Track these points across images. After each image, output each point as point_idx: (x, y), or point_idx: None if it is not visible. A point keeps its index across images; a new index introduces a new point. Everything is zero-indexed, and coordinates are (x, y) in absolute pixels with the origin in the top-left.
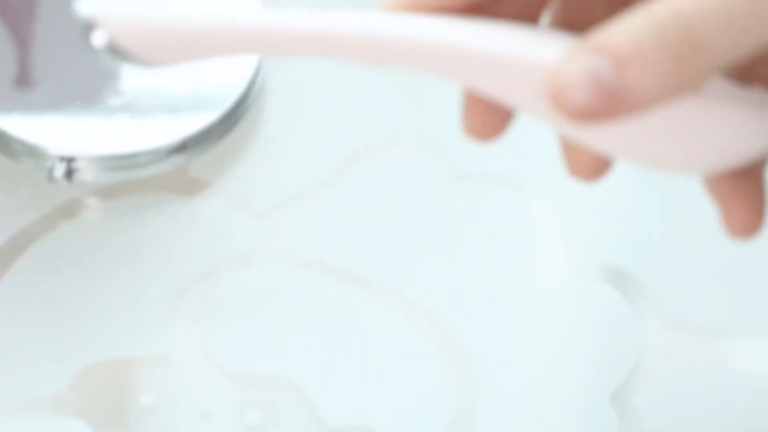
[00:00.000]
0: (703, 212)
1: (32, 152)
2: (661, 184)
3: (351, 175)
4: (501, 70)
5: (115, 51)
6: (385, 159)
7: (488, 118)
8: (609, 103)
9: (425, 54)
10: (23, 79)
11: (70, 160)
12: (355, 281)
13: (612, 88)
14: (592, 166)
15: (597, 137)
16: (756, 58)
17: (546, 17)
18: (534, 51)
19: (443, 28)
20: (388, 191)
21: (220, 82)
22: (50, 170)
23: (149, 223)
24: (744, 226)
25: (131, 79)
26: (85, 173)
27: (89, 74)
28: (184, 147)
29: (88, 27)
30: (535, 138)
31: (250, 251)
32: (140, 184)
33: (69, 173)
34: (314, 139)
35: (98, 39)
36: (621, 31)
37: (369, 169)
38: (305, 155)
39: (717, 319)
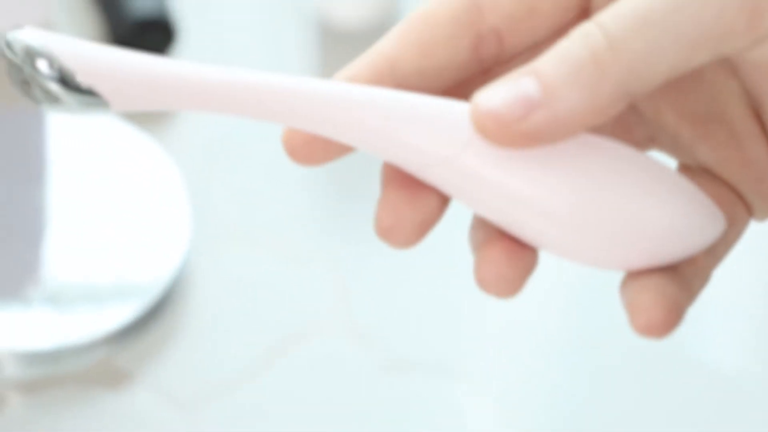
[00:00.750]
0: (636, 400)
1: None
2: (592, 372)
3: (277, 365)
4: (424, 121)
5: (65, 80)
6: (312, 347)
7: (406, 211)
8: (533, 114)
9: (353, 111)
10: None
11: None
12: None
13: (536, 99)
14: (507, 276)
15: (528, 225)
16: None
17: None
18: (455, 102)
19: (369, 88)
20: (315, 380)
21: (144, 272)
22: None
23: (74, 418)
24: (649, 323)
25: (53, 270)
26: (7, 369)
27: (10, 266)
28: (108, 339)
29: (31, 53)
30: (464, 325)
31: None
32: (64, 378)
33: None
34: (240, 328)
35: (44, 65)
36: (544, 57)
37: (295, 358)
38: (232, 345)
39: None
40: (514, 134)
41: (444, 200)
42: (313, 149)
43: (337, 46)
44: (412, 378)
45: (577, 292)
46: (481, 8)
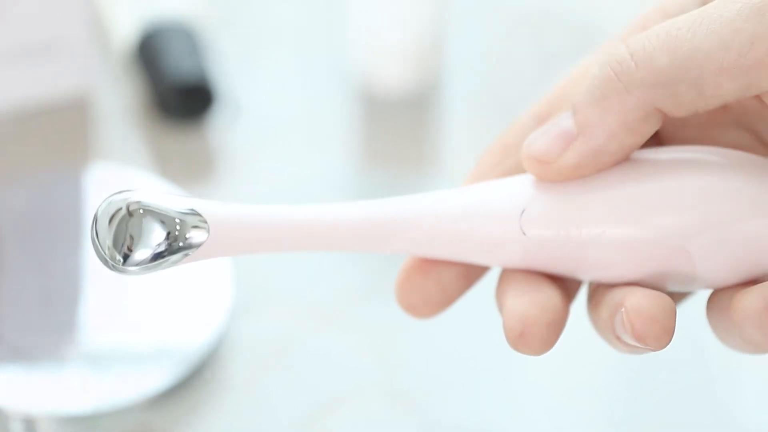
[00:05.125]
0: None
1: None
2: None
3: (316, 428)
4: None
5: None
6: (350, 411)
7: (534, 311)
8: (571, 146)
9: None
10: None
11: (30, 421)
12: None
13: (573, 132)
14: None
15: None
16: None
17: None
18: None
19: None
20: None
21: (183, 336)
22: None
23: None
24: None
25: (91, 332)
26: None
27: (47, 328)
28: (145, 403)
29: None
30: (501, 388)
31: None
32: None
33: None
34: (278, 394)
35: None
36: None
37: (334, 422)
38: (269, 410)
39: None
40: (559, 170)
41: (564, 292)
42: (428, 304)
43: (379, 112)
44: None
45: (606, 352)
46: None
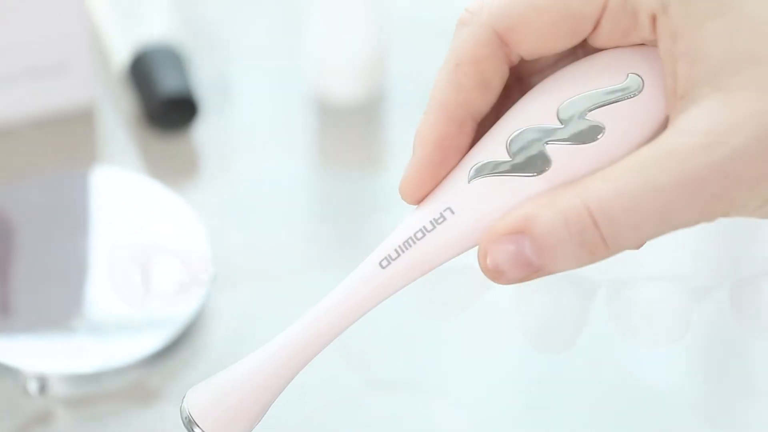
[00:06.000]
0: (589, 413)
1: (9, 372)
2: (545, 387)
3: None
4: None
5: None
6: (307, 369)
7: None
8: (529, 272)
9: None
10: (3, 307)
11: (42, 379)
12: None
13: (533, 264)
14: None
15: None
16: None
17: None
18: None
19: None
20: (304, 396)
21: (171, 306)
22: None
23: (112, 430)
24: None
25: (95, 305)
26: (56, 388)
27: (58, 301)
28: (140, 363)
29: (189, 422)
30: (440, 347)
31: None
32: (104, 396)
33: (42, 389)
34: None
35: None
36: (542, 220)
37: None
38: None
39: None
40: (512, 283)
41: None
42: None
43: (332, 119)
44: (395, 395)
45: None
46: (505, 41)
